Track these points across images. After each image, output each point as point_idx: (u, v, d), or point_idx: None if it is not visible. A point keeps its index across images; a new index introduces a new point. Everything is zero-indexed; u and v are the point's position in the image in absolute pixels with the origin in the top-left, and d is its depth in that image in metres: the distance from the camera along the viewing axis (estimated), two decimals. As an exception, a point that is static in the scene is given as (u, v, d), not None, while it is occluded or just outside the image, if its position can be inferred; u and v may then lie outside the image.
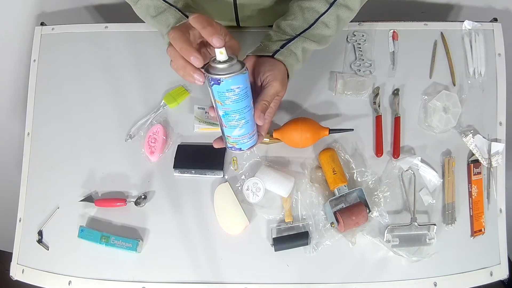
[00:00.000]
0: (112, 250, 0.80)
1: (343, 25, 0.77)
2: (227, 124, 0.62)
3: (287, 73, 0.70)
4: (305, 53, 0.73)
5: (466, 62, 0.90)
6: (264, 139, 0.84)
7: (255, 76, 0.68)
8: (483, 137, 0.85)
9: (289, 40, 0.71)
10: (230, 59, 0.55)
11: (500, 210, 0.82)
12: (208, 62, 0.57)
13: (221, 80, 0.55)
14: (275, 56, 0.70)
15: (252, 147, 0.67)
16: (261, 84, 0.67)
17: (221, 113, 0.60)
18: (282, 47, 0.71)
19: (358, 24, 0.94)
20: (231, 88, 0.56)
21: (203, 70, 0.57)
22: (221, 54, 0.54)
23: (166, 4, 0.72)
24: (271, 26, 0.77)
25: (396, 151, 0.83)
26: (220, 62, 0.55)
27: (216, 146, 0.68)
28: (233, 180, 0.84)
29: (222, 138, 0.67)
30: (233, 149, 0.66)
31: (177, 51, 0.57)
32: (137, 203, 0.83)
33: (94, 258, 0.82)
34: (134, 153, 0.87)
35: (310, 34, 0.73)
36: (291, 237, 0.78)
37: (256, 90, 0.67)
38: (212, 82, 0.56)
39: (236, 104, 0.58)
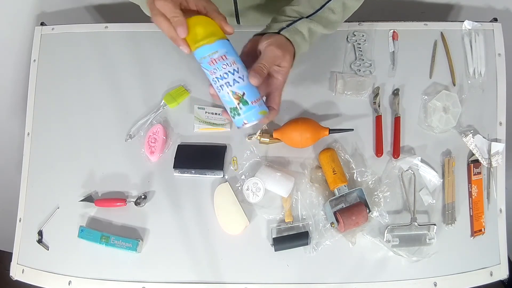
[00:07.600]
0: (112, 250, 0.80)
1: (349, 13, 0.76)
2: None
3: (294, 53, 0.68)
4: (311, 34, 0.71)
5: (466, 62, 0.90)
6: (264, 139, 0.84)
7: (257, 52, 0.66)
8: (483, 137, 0.85)
9: (295, 21, 0.70)
10: None
11: (500, 210, 0.82)
12: None
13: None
14: (281, 32, 0.67)
15: (257, 120, 0.63)
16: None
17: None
18: (287, 26, 0.69)
19: (358, 24, 0.94)
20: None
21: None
22: None
23: None
24: None
25: (396, 151, 0.83)
26: None
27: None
28: (233, 180, 0.84)
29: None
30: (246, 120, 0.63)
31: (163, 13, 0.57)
32: (137, 203, 0.83)
33: (94, 258, 0.82)
34: (134, 153, 0.87)
35: (317, 17, 0.72)
36: (291, 237, 0.78)
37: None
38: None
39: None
